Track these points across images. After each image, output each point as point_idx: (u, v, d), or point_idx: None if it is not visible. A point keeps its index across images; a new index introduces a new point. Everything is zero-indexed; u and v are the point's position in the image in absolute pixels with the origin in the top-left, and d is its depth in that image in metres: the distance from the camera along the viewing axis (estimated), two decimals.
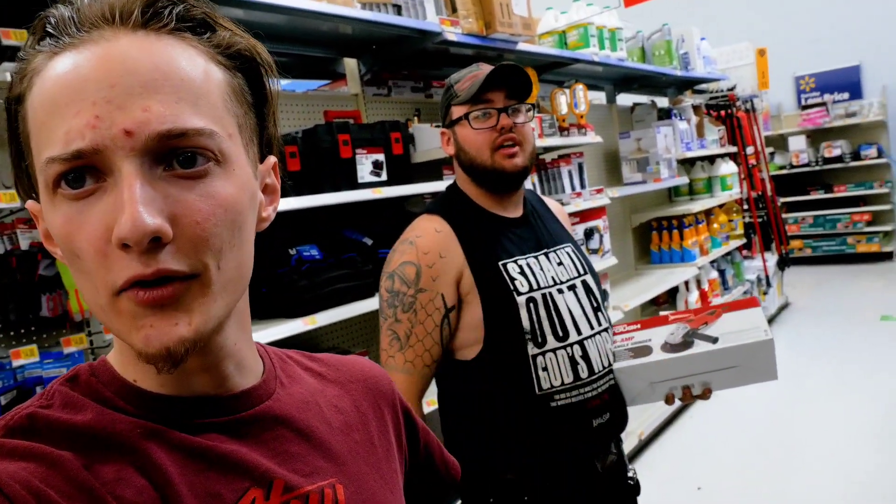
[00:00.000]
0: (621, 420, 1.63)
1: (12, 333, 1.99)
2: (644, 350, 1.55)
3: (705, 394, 1.54)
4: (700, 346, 1.50)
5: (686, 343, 1.52)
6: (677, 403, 1.59)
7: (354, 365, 0.80)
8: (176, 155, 0.52)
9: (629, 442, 3.81)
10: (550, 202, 1.81)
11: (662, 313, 1.68)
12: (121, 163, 0.51)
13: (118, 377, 0.59)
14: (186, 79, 0.54)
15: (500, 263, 1.54)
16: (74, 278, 0.55)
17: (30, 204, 0.59)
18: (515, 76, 1.57)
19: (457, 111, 1.60)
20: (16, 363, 1.73)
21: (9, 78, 0.58)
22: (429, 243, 1.54)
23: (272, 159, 0.66)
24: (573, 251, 1.67)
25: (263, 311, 2.32)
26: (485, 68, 1.60)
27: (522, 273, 1.54)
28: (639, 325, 1.64)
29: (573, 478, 1.55)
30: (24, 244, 1.88)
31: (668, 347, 1.53)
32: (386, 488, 0.71)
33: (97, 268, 0.52)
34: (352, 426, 0.72)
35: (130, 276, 0.50)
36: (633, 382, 1.57)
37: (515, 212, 1.65)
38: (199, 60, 0.55)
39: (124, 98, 0.51)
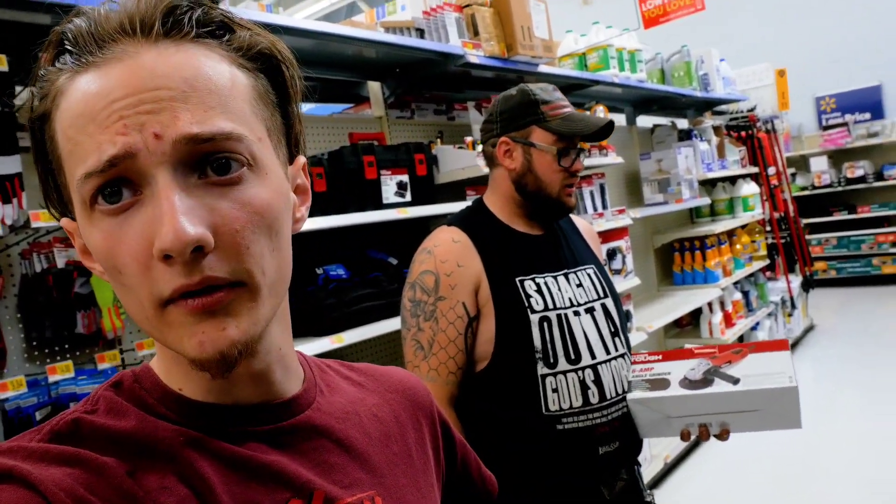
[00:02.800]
0: (632, 449, 1.60)
1: (47, 350, 2.03)
2: (662, 383, 1.50)
3: (723, 435, 1.48)
4: (720, 386, 1.43)
5: (706, 381, 1.46)
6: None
7: (393, 375, 0.80)
8: (209, 162, 0.52)
9: (654, 466, 3.77)
10: (579, 221, 1.81)
11: (687, 346, 1.65)
12: (155, 171, 0.51)
13: (161, 384, 0.59)
14: (213, 88, 0.53)
15: (517, 279, 1.54)
16: (117, 293, 0.55)
17: (65, 222, 0.59)
18: (605, 130, 1.61)
19: (542, 136, 1.59)
20: (51, 379, 1.76)
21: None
22: (446, 252, 1.55)
23: (301, 159, 0.66)
24: (595, 273, 1.65)
25: (291, 329, 2.33)
26: (558, 96, 1.63)
27: (539, 291, 1.54)
28: (660, 357, 1.59)
29: (578, 502, 1.53)
30: (60, 262, 1.92)
31: (687, 383, 1.47)
32: (423, 501, 0.71)
33: (141, 281, 0.52)
34: (390, 437, 0.72)
35: (176, 286, 0.51)
36: (647, 414, 1.51)
37: (539, 230, 1.65)
38: (222, 67, 0.55)
39: (152, 107, 0.51)
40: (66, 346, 2.04)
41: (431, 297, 1.53)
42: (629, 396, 1.52)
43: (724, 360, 1.50)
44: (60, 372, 1.75)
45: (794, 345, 6.23)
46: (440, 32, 2.90)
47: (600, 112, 3.83)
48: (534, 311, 1.52)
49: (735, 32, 9.01)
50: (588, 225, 1.83)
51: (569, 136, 1.57)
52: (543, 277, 1.57)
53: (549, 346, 1.50)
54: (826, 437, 4.16)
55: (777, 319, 6.01)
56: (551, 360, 1.50)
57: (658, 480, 3.85)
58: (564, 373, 1.50)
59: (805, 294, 6.74)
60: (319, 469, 0.62)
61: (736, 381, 1.43)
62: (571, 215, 1.80)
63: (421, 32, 2.88)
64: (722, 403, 1.43)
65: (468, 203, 2.86)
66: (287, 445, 0.61)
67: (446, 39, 2.90)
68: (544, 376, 1.49)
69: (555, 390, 1.49)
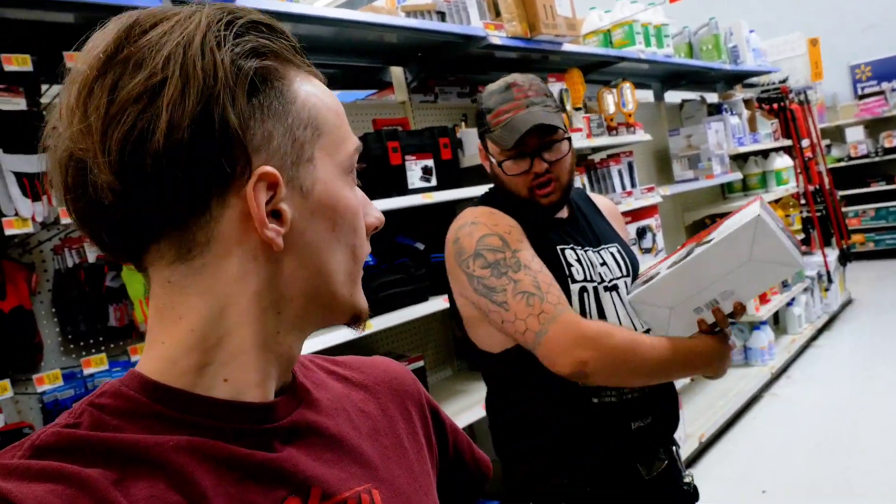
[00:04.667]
0: (667, 425, 1.59)
1: (81, 343, 2.07)
2: (654, 277, 1.47)
3: (737, 309, 1.41)
4: (697, 251, 1.40)
5: (688, 256, 1.42)
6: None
7: (378, 366, 0.80)
8: None
9: (689, 445, 3.74)
10: (600, 200, 1.78)
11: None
12: None
13: (155, 383, 0.57)
14: None
15: (558, 248, 1.52)
16: (334, 249, 0.63)
17: (271, 169, 0.57)
18: (543, 127, 1.49)
19: (491, 146, 1.56)
20: (86, 371, 1.79)
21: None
22: (492, 218, 1.50)
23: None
24: (619, 251, 1.63)
25: None
26: (517, 95, 1.52)
27: (579, 261, 1.53)
28: (657, 264, 1.57)
29: (616, 482, 1.52)
30: (91, 257, 1.95)
31: (673, 266, 1.44)
32: (420, 491, 0.71)
33: (365, 238, 0.66)
34: (379, 430, 0.72)
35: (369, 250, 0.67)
36: (653, 313, 1.47)
37: (561, 214, 1.63)
38: None
39: None
40: (101, 339, 2.08)
41: (508, 252, 1.45)
42: (627, 297, 1.50)
43: (703, 236, 1.47)
44: (95, 365, 1.78)
45: (832, 319, 6.12)
46: (461, 14, 2.88)
47: (626, 89, 3.77)
48: (574, 281, 1.50)
49: (764, 2, 8.79)
50: (609, 202, 1.80)
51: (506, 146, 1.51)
52: (581, 249, 1.55)
53: (586, 317, 1.48)
54: (864, 411, 4.08)
55: (814, 294, 5.90)
56: None
57: (693, 459, 3.82)
58: None
59: (842, 268, 6.60)
60: (315, 465, 0.62)
61: (710, 242, 1.40)
62: (591, 194, 1.78)
63: (442, 15, 2.86)
64: (706, 268, 1.39)
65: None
66: (282, 442, 0.61)
67: (467, 21, 2.87)
68: None
69: None
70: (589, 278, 1.52)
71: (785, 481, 3.47)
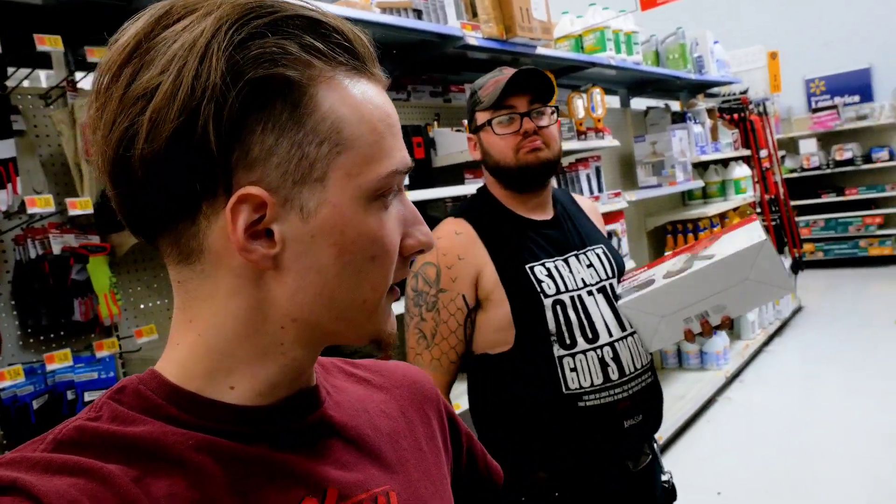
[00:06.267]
0: (655, 421, 1.63)
1: (42, 338, 2.00)
2: (647, 284, 1.51)
3: (724, 322, 1.48)
4: (698, 265, 1.45)
5: (686, 268, 1.47)
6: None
7: (397, 370, 0.80)
8: None
9: None
10: (582, 200, 1.82)
11: (667, 254, 1.65)
12: (401, 185, 0.62)
13: (171, 385, 0.57)
14: None
15: (527, 266, 1.56)
16: (340, 277, 0.57)
17: (256, 190, 0.53)
18: (537, 80, 1.58)
19: (481, 117, 1.62)
20: (49, 367, 1.73)
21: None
22: (448, 245, 1.57)
23: None
24: (604, 252, 1.66)
25: None
26: (507, 72, 1.60)
27: (550, 276, 1.56)
28: (645, 267, 1.62)
29: (606, 477, 1.55)
30: (56, 249, 1.88)
31: (669, 275, 1.48)
32: (437, 495, 0.71)
33: (390, 268, 0.60)
34: (399, 432, 0.72)
35: (402, 276, 0.62)
36: (643, 319, 1.51)
37: (545, 214, 1.66)
38: None
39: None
40: (63, 333, 2.01)
41: (433, 289, 1.55)
42: (619, 303, 1.53)
43: (701, 247, 1.52)
44: (59, 360, 1.72)
45: (784, 326, 6.29)
46: (438, 13, 2.85)
47: (596, 94, 3.80)
48: (546, 296, 1.54)
49: (729, 14, 8.97)
50: (589, 202, 1.85)
51: (495, 103, 1.58)
52: (553, 261, 1.58)
53: (563, 327, 1.53)
54: (814, 417, 4.21)
55: None
56: (567, 342, 1.52)
57: None
58: (584, 352, 1.53)
59: (794, 275, 6.78)
60: (332, 466, 0.62)
61: (711, 257, 1.44)
62: (574, 194, 1.82)
63: (418, 13, 2.83)
64: (705, 282, 1.44)
65: (466, 187, 2.85)
66: (300, 444, 0.61)
67: (444, 21, 2.85)
68: (561, 357, 1.52)
69: (573, 370, 1.52)
70: (565, 289, 1.55)
71: (740, 483, 3.55)
